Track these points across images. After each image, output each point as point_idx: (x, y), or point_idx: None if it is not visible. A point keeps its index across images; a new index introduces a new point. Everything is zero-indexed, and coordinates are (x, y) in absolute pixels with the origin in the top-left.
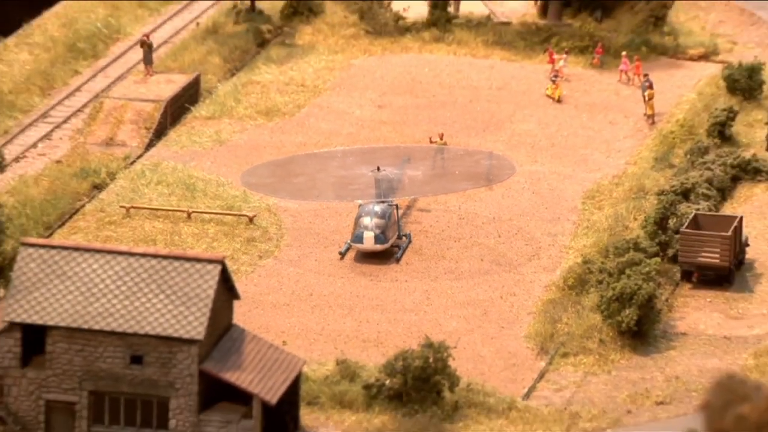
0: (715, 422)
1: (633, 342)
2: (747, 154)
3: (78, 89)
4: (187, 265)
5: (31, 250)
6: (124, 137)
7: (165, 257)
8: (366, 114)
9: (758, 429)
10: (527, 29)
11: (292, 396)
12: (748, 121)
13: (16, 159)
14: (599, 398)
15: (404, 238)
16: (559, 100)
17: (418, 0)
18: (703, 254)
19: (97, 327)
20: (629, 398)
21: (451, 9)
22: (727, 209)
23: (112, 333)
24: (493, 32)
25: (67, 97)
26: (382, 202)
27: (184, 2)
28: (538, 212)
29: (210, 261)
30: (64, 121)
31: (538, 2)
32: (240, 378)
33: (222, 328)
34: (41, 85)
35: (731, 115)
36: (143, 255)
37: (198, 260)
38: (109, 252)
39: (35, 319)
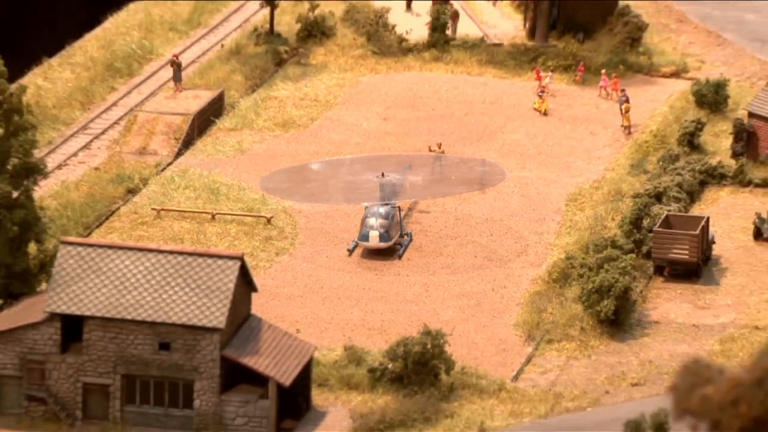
0: (682, 402)
1: (611, 330)
2: (713, 161)
3: (114, 104)
4: (210, 261)
5: (70, 247)
6: (156, 147)
7: (190, 254)
8: (372, 126)
9: (720, 408)
10: (517, 50)
11: (304, 379)
12: (714, 131)
13: (59, 166)
14: (580, 380)
15: (406, 236)
16: (545, 113)
17: (420, 2)
18: (674, 251)
19: (129, 317)
20: (607, 380)
21: (448, 32)
22: (696, 210)
23: (143, 322)
24: (486, 53)
25: (104, 111)
26: (386, 204)
27: (210, 26)
28: (526, 213)
29: (230, 257)
30: (102, 133)
31: (527, 25)
32: (257, 362)
33: (241, 317)
34: (82, 101)
35: (699, 126)
36: (170, 252)
37: (219, 256)
38: (140, 249)
39: (73, 310)
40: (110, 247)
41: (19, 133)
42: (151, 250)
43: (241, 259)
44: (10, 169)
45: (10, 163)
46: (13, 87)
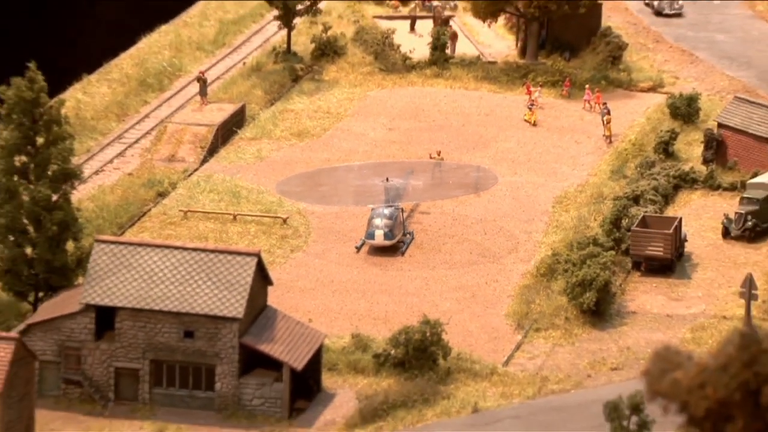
0: (654, 385)
1: (592, 319)
2: (686, 167)
3: (147, 116)
4: (230, 257)
5: (103, 245)
6: (184, 154)
7: (212, 251)
8: (378, 135)
9: (689, 391)
10: (509, 67)
11: (315, 363)
12: (687, 140)
13: (96, 172)
14: (565, 365)
15: (408, 235)
16: (534, 124)
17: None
18: (650, 248)
19: (156, 308)
20: (589, 365)
21: (448, 51)
22: (670, 212)
23: (169, 312)
24: (481, 69)
25: (138, 122)
26: (390, 206)
27: (234, 46)
28: (517, 214)
29: (248, 254)
30: (135, 142)
31: (518, 45)
32: (272, 349)
33: (258, 308)
34: (117, 113)
35: (673, 135)
36: (194, 249)
37: (238, 253)
38: (167, 247)
39: (107, 302)
40: (140, 244)
41: (58, 142)
42: (177, 248)
43: (258, 255)
44: (50, 175)
45: (50, 169)
46: (53, 100)
